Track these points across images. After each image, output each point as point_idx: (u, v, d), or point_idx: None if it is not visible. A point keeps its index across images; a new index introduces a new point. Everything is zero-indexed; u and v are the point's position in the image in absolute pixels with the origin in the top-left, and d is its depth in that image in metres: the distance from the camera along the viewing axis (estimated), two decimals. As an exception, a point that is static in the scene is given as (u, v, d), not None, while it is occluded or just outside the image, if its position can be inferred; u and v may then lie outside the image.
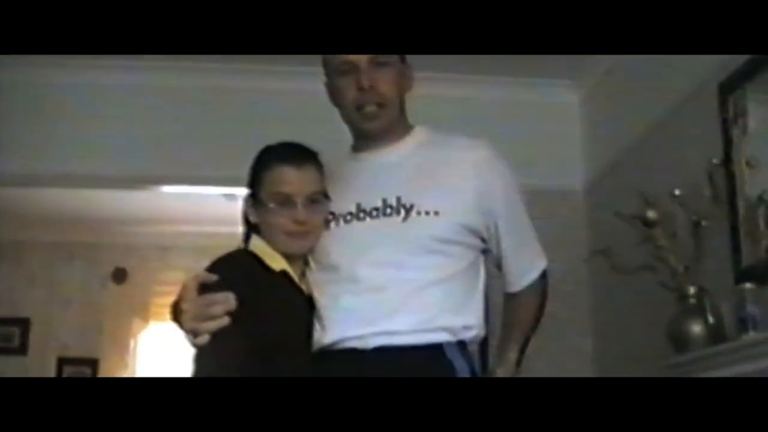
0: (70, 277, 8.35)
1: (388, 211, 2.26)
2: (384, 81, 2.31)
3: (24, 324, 8.23)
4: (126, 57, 4.84)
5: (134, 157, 5.03)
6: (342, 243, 2.27)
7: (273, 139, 2.39)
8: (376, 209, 2.27)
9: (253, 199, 2.34)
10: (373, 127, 2.35)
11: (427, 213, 2.23)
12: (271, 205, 2.27)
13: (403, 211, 2.25)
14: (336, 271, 2.25)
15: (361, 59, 2.29)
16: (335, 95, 2.37)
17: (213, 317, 2.06)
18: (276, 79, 4.97)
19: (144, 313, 8.21)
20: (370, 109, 2.31)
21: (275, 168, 2.29)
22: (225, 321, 2.06)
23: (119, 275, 8.36)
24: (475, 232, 2.30)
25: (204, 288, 2.13)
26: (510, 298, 2.46)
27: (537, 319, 2.49)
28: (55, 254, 8.36)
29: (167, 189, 5.72)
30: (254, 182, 2.34)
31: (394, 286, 2.19)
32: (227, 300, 2.08)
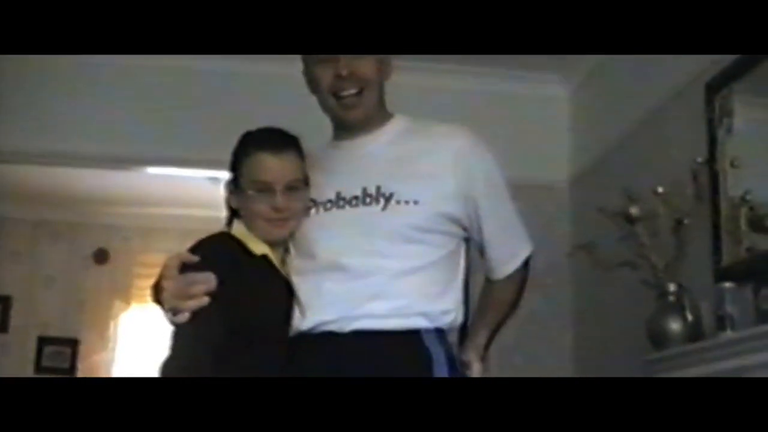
0: (53, 256, 8.31)
1: (368, 200, 2.26)
2: (362, 67, 2.30)
3: (6, 302, 8.20)
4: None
5: (120, 137, 5.02)
6: (322, 231, 2.28)
7: (260, 123, 2.39)
8: (356, 198, 2.27)
9: (234, 185, 2.34)
10: (352, 116, 2.34)
11: (406, 202, 2.23)
12: (250, 192, 2.28)
13: (382, 201, 2.25)
14: (316, 258, 2.26)
15: None
16: (313, 84, 2.37)
17: (193, 296, 2.07)
18: (266, 63, 4.92)
19: (125, 295, 8.19)
20: (348, 97, 2.30)
21: (254, 155, 2.29)
22: (205, 300, 2.07)
23: (101, 256, 8.33)
24: (455, 221, 2.30)
25: (185, 268, 2.14)
26: (489, 282, 2.46)
27: (513, 305, 2.48)
28: (38, 232, 8.33)
29: (152, 170, 5.71)
30: (235, 168, 2.34)
31: (373, 274, 2.19)
32: (208, 280, 2.09)
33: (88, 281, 8.28)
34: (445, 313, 2.25)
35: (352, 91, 2.30)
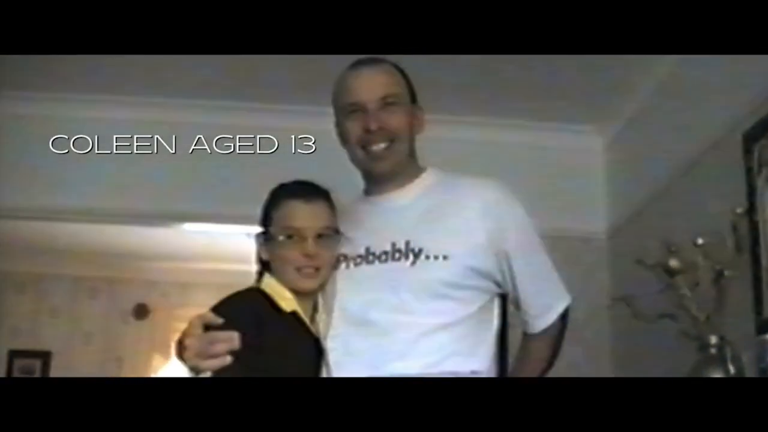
0: (92, 311, 8.38)
1: (397, 255, 2.24)
2: (392, 120, 2.30)
3: (46, 357, 8.26)
4: (147, 94, 4.90)
5: (157, 194, 5.04)
6: (351, 286, 2.26)
7: (295, 178, 2.40)
8: (386, 253, 2.26)
9: (265, 237, 2.33)
10: (380, 168, 2.34)
11: (435, 257, 2.21)
12: (281, 239, 2.27)
13: (411, 256, 2.23)
14: (345, 314, 2.24)
15: (370, 101, 2.29)
16: (343, 136, 2.37)
17: (215, 355, 2.05)
18: (302, 118, 4.93)
19: (164, 350, 8.19)
20: (377, 148, 2.30)
21: (286, 203, 2.29)
22: (227, 360, 2.04)
23: (140, 311, 8.38)
24: (486, 275, 2.27)
25: (209, 327, 2.12)
26: (526, 336, 2.42)
27: (549, 361, 2.44)
28: (77, 288, 8.41)
29: (189, 226, 5.73)
30: (266, 219, 2.34)
31: (402, 331, 2.16)
32: (231, 339, 2.06)
33: (127, 336, 8.33)
34: (476, 373, 2.20)
35: (381, 145, 2.30)
